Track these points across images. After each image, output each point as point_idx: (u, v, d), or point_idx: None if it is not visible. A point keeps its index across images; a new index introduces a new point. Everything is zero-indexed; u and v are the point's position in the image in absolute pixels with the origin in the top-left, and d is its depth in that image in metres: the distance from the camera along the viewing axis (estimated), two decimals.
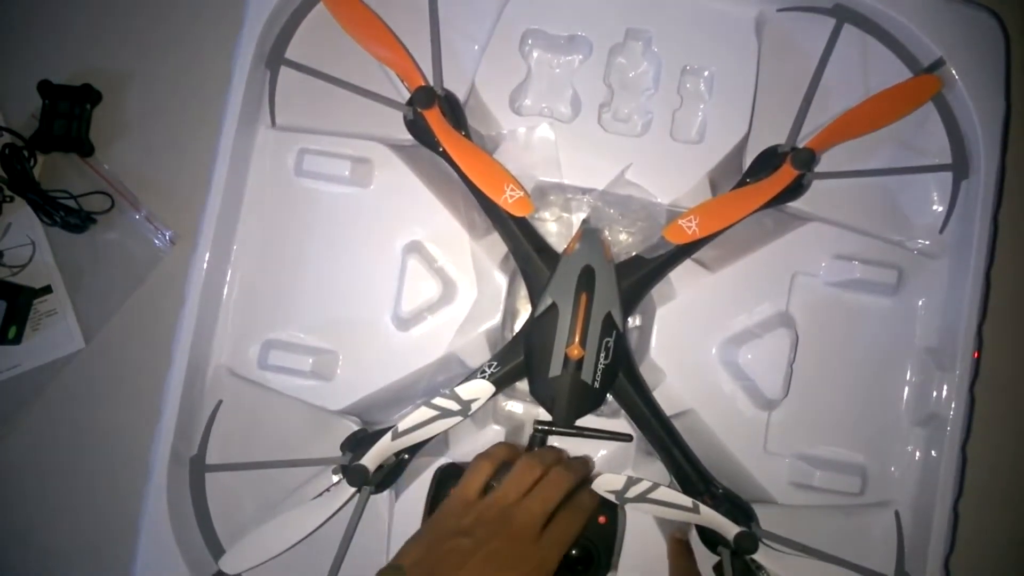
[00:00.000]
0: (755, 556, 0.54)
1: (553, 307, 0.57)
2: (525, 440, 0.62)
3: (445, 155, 0.58)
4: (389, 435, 0.54)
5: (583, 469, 0.56)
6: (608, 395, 0.58)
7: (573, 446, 0.63)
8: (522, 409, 0.65)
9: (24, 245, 0.69)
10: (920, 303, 0.61)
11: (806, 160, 0.57)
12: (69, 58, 0.71)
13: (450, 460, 0.60)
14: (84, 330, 0.69)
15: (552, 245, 0.61)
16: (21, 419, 0.69)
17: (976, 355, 0.58)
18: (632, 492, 0.53)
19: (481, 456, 0.55)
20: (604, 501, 0.53)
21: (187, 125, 0.69)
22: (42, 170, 0.69)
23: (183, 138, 0.69)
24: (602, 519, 0.55)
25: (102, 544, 0.68)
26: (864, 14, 0.61)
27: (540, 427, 0.61)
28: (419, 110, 0.58)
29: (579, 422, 0.58)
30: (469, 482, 0.53)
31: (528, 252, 0.59)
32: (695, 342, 0.61)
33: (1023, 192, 0.66)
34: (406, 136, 0.61)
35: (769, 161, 0.59)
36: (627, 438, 0.62)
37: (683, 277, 0.61)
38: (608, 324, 0.57)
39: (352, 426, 0.60)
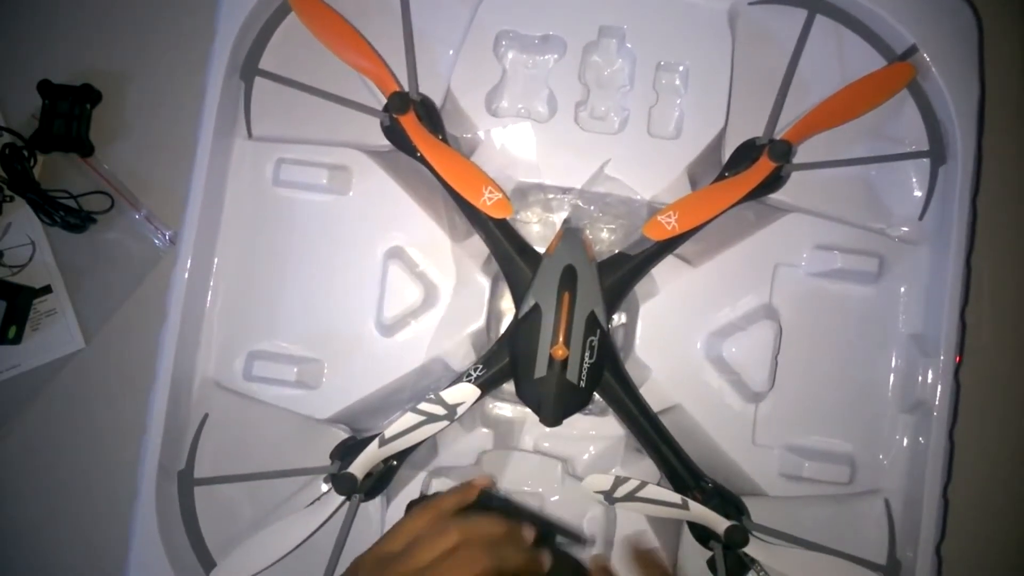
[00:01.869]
0: (747, 549, 0.54)
1: (536, 308, 0.57)
2: (520, 445, 0.62)
3: (423, 160, 0.58)
4: (376, 442, 0.54)
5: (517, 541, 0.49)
6: (595, 394, 0.58)
7: (564, 446, 0.63)
8: (510, 411, 0.65)
9: (24, 245, 0.69)
10: (902, 290, 0.61)
11: (783, 152, 0.57)
12: (69, 58, 0.71)
13: (420, 494, 0.59)
14: (84, 330, 0.69)
15: (534, 246, 0.61)
16: (21, 419, 0.69)
17: (958, 359, 0.59)
18: (620, 491, 0.53)
19: (418, 508, 0.51)
20: None
21: (187, 125, 0.67)
22: (42, 170, 0.69)
23: (183, 138, 0.67)
24: None
25: (100, 544, 0.67)
26: (835, 4, 0.61)
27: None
28: (395, 116, 0.58)
29: (566, 423, 0.58)
30: (390, 540, 0.49)
31: (509, 254, 0.59)
32: (680, 337, 0.61)
33: (1001, 176, 0.67)
34: (384, 142, 0.61)
35: (747, 154, 0.60)
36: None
37: (665, 273, 0.61)
38: (592, 323, 0.57)
39: (341, 434, 0.60)
